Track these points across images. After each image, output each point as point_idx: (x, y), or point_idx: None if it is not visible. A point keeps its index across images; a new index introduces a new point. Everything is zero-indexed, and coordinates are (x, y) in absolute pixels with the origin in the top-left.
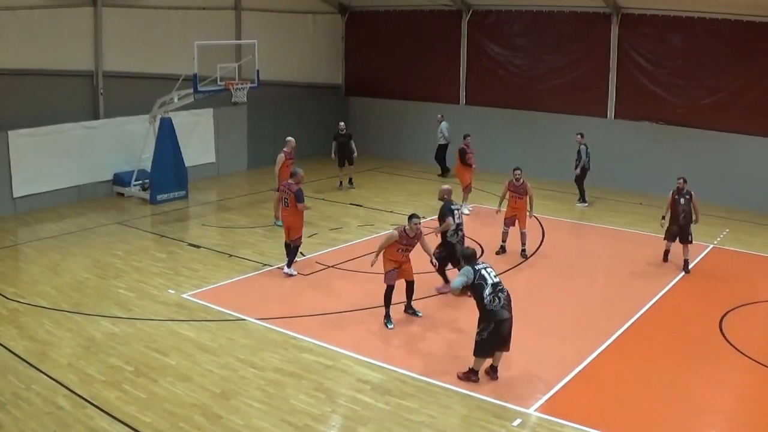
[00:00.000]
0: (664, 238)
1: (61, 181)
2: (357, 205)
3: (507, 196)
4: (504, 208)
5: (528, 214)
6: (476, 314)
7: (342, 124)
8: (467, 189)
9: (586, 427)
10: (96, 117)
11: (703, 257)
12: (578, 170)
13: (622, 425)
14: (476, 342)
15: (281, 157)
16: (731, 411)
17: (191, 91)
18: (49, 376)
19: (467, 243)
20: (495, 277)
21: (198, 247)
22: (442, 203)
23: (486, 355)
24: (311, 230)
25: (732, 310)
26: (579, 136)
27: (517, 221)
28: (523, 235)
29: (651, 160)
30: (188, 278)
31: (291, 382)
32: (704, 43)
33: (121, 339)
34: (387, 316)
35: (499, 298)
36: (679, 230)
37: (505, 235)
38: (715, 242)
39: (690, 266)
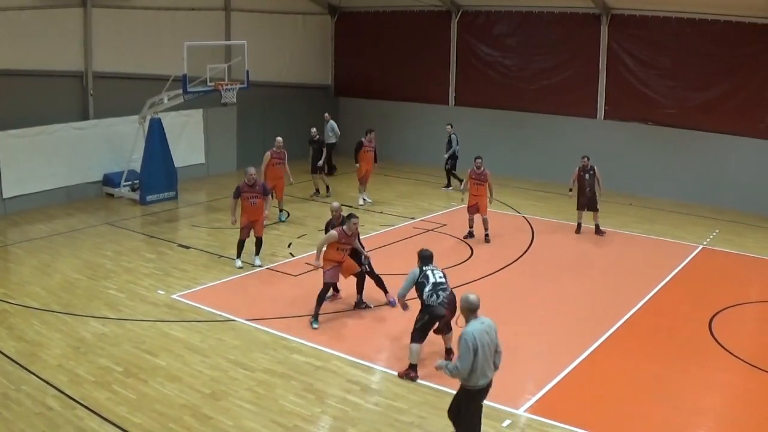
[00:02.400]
0: (577, 209)
1: (51, 181)
2: (346, 206)
3: (468, 185)
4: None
5: (489, 200)
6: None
7: (314, 130)
8: (363, 180)
9: (575, 428)
10: (85, 117)
11: (692, 258)
12: (448, 157)
13: (611, 426)
14: (413, 330)
15: (267, 155)
16: (721, 411)
17: (181, 91)
18: (38, 376)
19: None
20: (440, 278)
21: (188, 247)
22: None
23: (419, 340)
24: (300, 231)
25: (722, 310)
26: (449, 126)
27: (479, 207)
28: (485, 221)
29: (640, 160)
30: (178, 279)
31: (281, 383)
32: (694, 44)
33: (110, 340)
34: (315, 317)
35: (438, 296)
36: (587, 201)
37: (471, 221)
38: (705, 243)
39: (601, 229)
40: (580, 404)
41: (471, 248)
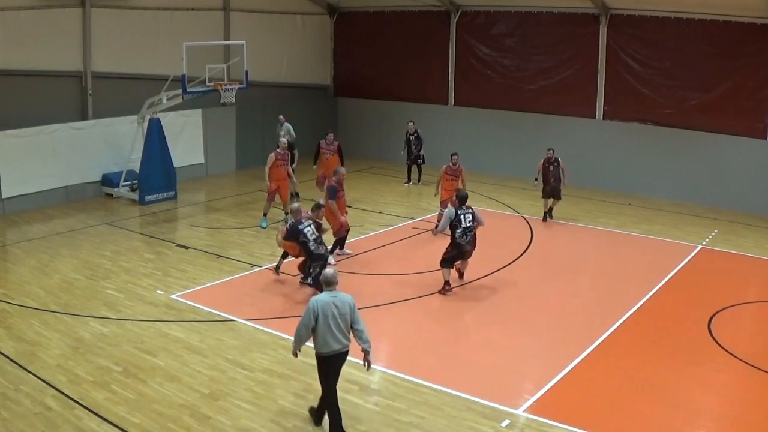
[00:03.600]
0: (542, 197)
1: (50, 181)
2: (346, 206)
3: (443, 180)
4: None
5: None
6: (465, 318)
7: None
8: (319, 181)
9: (574, 428)
10: (84, 117)
11: (691, 258)
12: (418, 153)
13: (610, 426)
14: (442, 259)
15: (272, 156)
16: (720, 411)
17: (180, 91)
18: (37, 376)
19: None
20: (469, 222)
21: (187, 247)
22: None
23: (449, 266)
24: None
25: (721, 310)
26: (411, 123)
27: (451, 201)
28: None
29: (639, 160)
30: (177, 279)
31: (280, 383)
32: (692, 44)
33: (109, 340)
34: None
35: (466, 236)
36: (551, 190)
37: (440, 214)
38: (704, 243)
39: (552, 216)
40: (579, 404)
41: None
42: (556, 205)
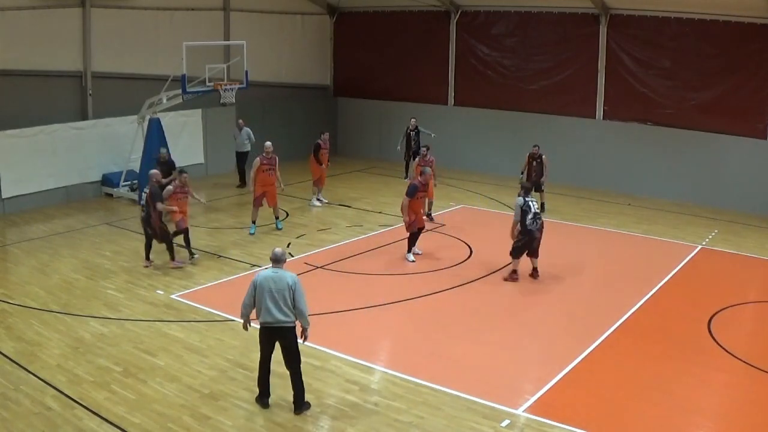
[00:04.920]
0: None
1: (50, 181)
2: (345, 206)
3: (415, 172)
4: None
5: (434, 184)
6: (465, 318)
7: (164, 150)
8: (319, 182)
9: (574, 428)
10: (84, 117)
11: (691, 258)
12: (418, 149)
13: (610, 426)
14: (513, 248)
15: (257, 161)
16: (719, 411)
17: (180, 91)
18: (37, 376)
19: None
20: (536, 209)
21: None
22: None
23: (518, 256)
24: (299, 231)
25: (721, 310)
26: (414, 119)
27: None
28: (430, 204)
29: (639, 160)
30: (177, 279)
31: (279, 383)
32: (692, 44)
33: (109, 340)
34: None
35: (536, 222)
36: (533, 184)
37: (428, 205)
38: (704, 243)
39: (545, 208)
40: (579, 404)
41: (470, 248)
42: (545, 198)
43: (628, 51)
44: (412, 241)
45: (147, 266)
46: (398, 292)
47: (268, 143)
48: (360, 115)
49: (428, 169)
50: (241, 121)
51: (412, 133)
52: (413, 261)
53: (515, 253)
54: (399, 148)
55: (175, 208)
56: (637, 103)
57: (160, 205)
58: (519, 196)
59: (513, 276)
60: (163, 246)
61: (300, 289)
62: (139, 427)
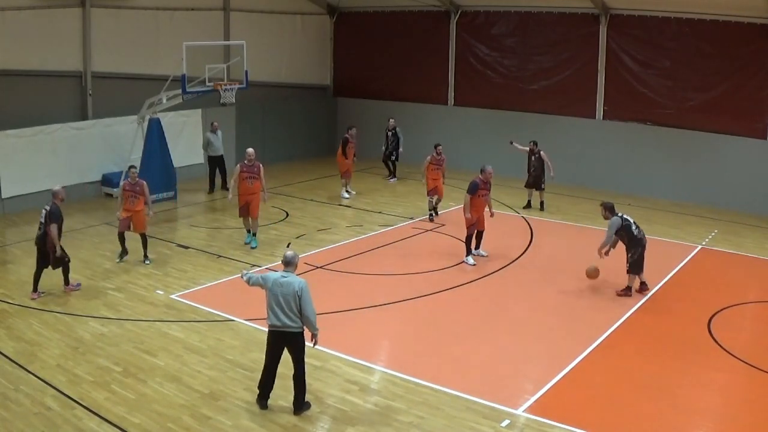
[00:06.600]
0: (525, 186)
1: (50, 181)
2: (345, 206)
3: (428, 170)
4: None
5: (443, 182)
6: (465, 318)
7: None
8: (347, 174)
9: (574, 428)
10: (84, 118)
11: (691, 258)
12: (400, 151)
13: (610, 426)
14: (631, 263)
15: (236, 168)
16: (719, 411)
17: (180, 91)
18: (37, 376)
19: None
20: (632, 219)
21: (186, 247)
22: None
23: (638, 270)
24: (299, 231)
25: (720, 310)
26: (392, 120)
27: (438, 190)
28: (438, 201)
29: (639, 160)
30: (177, 279)
31: (279, 383)
32: (692, 44)
33: (109, 340)
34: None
35: (640, 230)
36: (533, 180)
37: (431, 203)
38: (704, 243)
39: (544, 206)
40: (579, 404)
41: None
42: (543, 197)
43: (628, 51)
44: (468, 242)
45: (34, 298)
46: (398, 292)
47: (250, 150)
48: (360, 115)
49: (489, 166)
50: (215, 123)
51: (389, 134)
52: (473, 264)
53: (634, 268)
54: (383, 147)
55: (56, 244)
56: (637, 103)
57: (53, 228)
58: (607, 216)
59: (627, 292)
60: (166, 247)
61: (306, 295)
62: (139, 427)
